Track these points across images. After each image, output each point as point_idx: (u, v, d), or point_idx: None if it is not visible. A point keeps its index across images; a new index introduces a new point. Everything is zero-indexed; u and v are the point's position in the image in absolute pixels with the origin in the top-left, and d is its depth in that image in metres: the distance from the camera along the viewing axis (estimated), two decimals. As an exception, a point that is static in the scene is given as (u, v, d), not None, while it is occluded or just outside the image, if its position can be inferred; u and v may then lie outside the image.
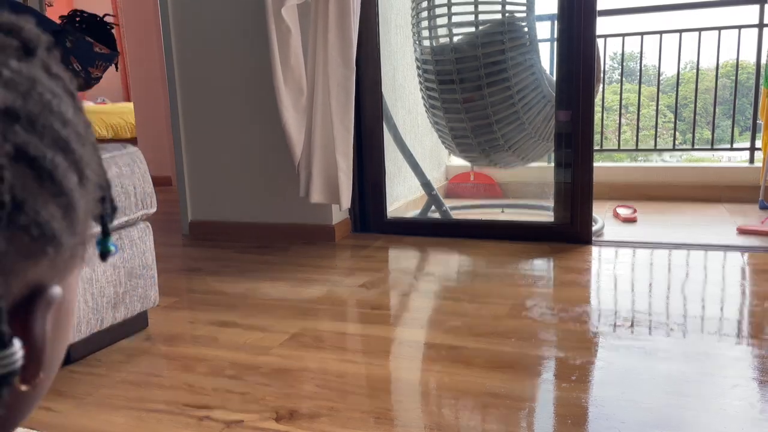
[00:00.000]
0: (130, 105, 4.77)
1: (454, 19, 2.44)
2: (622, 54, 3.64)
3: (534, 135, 2.50)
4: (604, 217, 2.83)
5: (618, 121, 3.94)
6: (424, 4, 2.47)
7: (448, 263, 2.10)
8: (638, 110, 3.77)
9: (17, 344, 0.25)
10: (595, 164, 3.53)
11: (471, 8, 2.38)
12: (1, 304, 0.24)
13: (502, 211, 3.13)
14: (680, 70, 3.56)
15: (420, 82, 2.65)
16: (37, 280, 0.27)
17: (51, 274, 0.27)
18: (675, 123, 3.93)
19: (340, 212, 2.43)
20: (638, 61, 3.79)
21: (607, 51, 3.72)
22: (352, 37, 2.08)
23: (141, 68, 4.01)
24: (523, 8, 2.33)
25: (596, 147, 3.89)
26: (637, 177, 3.43)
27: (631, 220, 2.86)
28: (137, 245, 1.43)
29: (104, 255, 0.34)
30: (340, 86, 2.10)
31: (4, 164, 0.24)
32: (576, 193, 2.18)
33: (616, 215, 2.94)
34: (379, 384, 1.18)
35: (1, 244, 0.24)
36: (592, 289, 1.73)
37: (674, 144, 3.83)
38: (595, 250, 2.14)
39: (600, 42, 3.48)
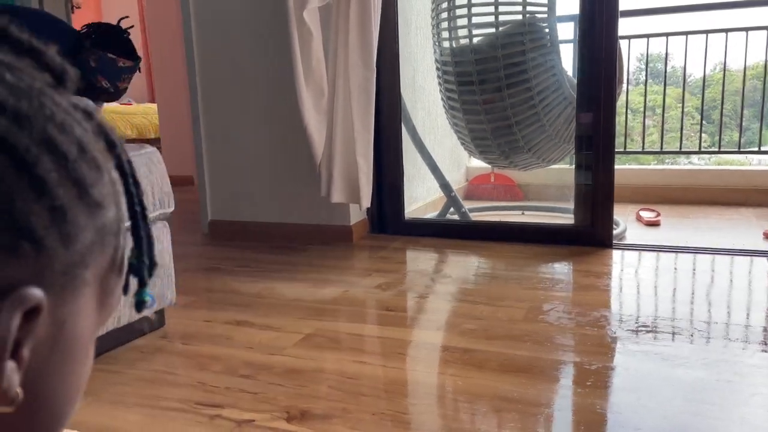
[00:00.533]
0: (155, 106, 4.84)
1: (475, 20, 2.43)
2: (647, 55, 3.58)
3: (554, 137, 2.47)
4: (626, 220, 2.79)
5: (643, 123, 3.87)
6: (444, 5, 2.46)
7: (465, 265, 2.09)
8: (663, 112, 3.71)
9: None
10: (618, 166, 3.48)
11: (491, 9, 2.36)
12: None
13: (523, 214, 3.10)
14: (707, 71, 3.49)
15: (439, 84, 2.64)
16: (15, 278, 0.26)
17: (34, 279, 0.27)
18: (701, 125, 3.86)
19: (357, 213, 2.43)
20: (664, 63, 3.73)
21: (633, 52, 3.67)
22: (373, 39, 2.08)
23: (165, 69, 4.07)
24: (544, 9, 2.31)
25: (621, 149, 3.85)
26: (661, 179, 3.37)
27: (654, 224, 2.82)
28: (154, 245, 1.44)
29: (139, 306, 0.35)
30: (361, 88, 2.11)
31: None
32: (596, 195, 2.15)
33: (639, 218, 2.90)
34: (392, 386, 1.18)
35: None
36: (611, 293, 1.70)
37: (700, 146, 3.76)
38: (615, 253, 2.11)
39: (624, 43, 3.43)
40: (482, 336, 1.41)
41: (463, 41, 2.48)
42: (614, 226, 2.63)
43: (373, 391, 1.16)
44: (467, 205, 3.36)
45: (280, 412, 1.09)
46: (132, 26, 2.08)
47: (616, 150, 2.98)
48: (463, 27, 2.46)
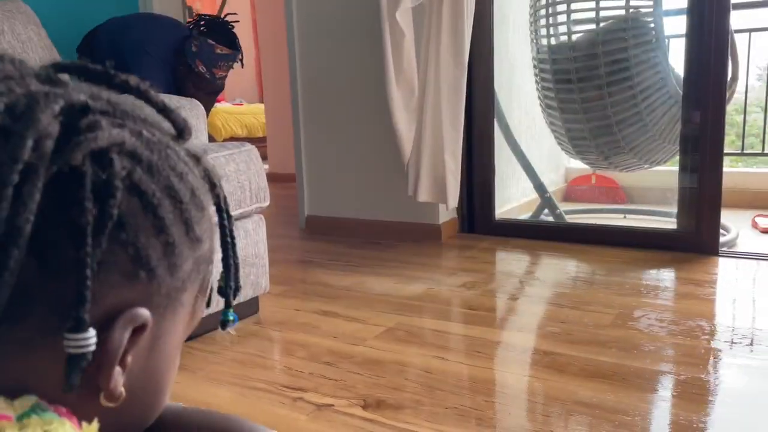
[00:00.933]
0: (263, 106, 5.10)
1: (575, 16, 2.36)
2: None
3: (658, 137, 2.35)
4: (741, 226, 2.60)
5: (764, 121, 3.56)
6: (543, 2, 2.42)
7: (554, 267, 2.05)
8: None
9: (92, 332, 0.30)
10: (734, 169, 3.25)
11: (593, 4, 2.29)
12: (86, 293, 0.29)
13: (624, 217, 2.97)
14: None
15: (537, 82, 2.59)
16: (130, 300, 0.32)
17: (144, 301, 0.33)
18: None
19: (447, 212, 2.44)
20: None
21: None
22: (465, 39, 2.09)
23: (272, 70, 4.28)
24: (650, 3, 2.20)
25: (750, 150, 3.57)
26: (784, 184, 3.10)
27: (771, 231, 2.61)
28: (251, 236, 1.55)
29: (223, 324, 0.42)
30: (451, 87, 2.12)
31: (118, 187, 0.30)
32: (702, 199, 2.03)
33: (755, 225, 2.69)
34: (468, 383, 1.19)
35: (102, 253, 0.29)
36: (711, 302, 1.60)
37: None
38: (722, 261, 1.98)
39: (742, 37, 3.18)
40: (565, 340, 1.39)
41: (562, 38, 2.42)
42: (724, 233, 2.47)
43: (447, 387, 1.18)
44: (566, 207, 3.27)
45: (357, 399, 1.14)
46: (237, 21, 2.24)
47: (742, 151, 2.79)
48: (562, 23, 2.40)
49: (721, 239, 2.31)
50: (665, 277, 1.86)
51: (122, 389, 0.33)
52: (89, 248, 0.29)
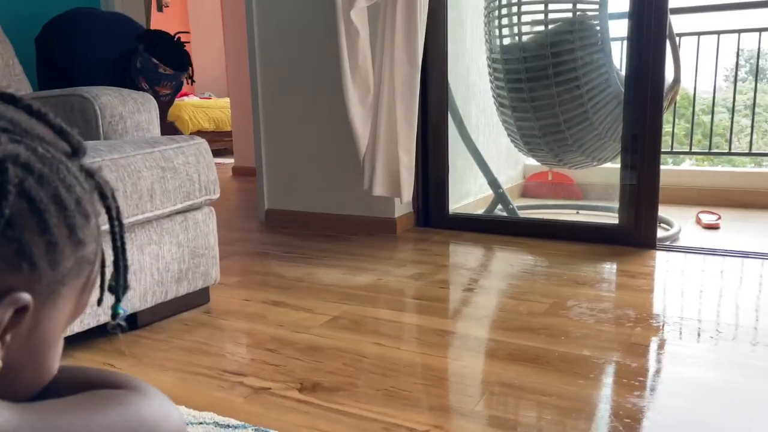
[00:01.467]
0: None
1: (525, 18, 2.44)
2: (737, 51, 3.43)
3: (604, 135, 2.45)
4: (685, 222, 2.72)
5: (710, 122, 3.72)
6: (495, 3, 2.49)
7: (501, 260, 2.13)
8: (732, 111, 3.55)
9: None
10: (682, 168, 3.38)
11: (541, 7, 2.37)
12: None
13: (577, 213, 3.08)
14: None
15: (491, 81, 2.67)
16: (14, 285, 0.38)
17: (26, 289, 0.39)
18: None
19: (403, 206, 2.51)
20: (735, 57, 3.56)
21: (733, 48, 3.52)
22: (418, 38, 2.15)
23: (236, 65, 4.29)
24: (595, 6, 2.29)
25: (709, 149, 3.71)
26: (729, 182, 3.24)
27: (713, 227, 2.73)
28: (200, 227, 1.59)
29: (113, 316, 0.48)
30: (405, 84, 2.18)
31: (11, 191, 0.36)
32: (641, 195, 2.13)
33: (699, 221, 2.81)
34: (400, 366, 1.26)
35: None
36: (642, 293, 1.70)
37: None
38: (659, 255, 2.08)
39: (711, 39, 3.31)
40: (498, 327, 1.46)
41: (513, 39, 2.50)
42: (667, 228, 2.58)
43: (381, 370, 1.24)
44: (524, 202, 3.36)
45: (294, 382, 1.19)
46: (188, 41, 2.29)
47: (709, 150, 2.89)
48: (511, 25, 2.48)
49: (664, 234, 2.43)
50: (602, 269, 1.95)
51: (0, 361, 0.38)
52: None
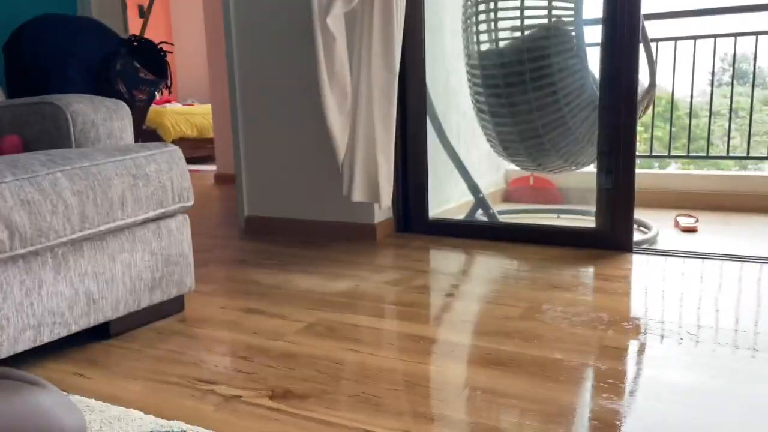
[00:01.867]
0: (211, 107, 5.07)
1: (502, 24, 2.46)
2: (713, 56, 3.48)
3: (582, 140, 2.47)
4: (663, 225, 2.75)
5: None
6: (473, 9, 2.51)
7: (478, 265, 2.13)
8: (711, 115, 3.59)
9: None
10: (659, 171, 3.41)
11: (517, 13, 2.39)
12: None
13: (558, 217, 3.10)
14: None
15: (469, 87, 2.68)
16: None
17: None
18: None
19: (383, 212, 2.51)
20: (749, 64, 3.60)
21: (718, 52, 3.57)
22: (395, 44, 2.16)
23: (218, 72, 4.28)
24: (571, 12, 2.32)
25: (697, 153, 3.75)
26: (706, 185, 3.28)
27: (691, 230, 2.76)
28: (174, 235, 1.58)
29: None
30: (382, 91, 2.19)
31: None
32: (617, 199, 2.15)
33: (677, 224, 2.84)
34: (373, 372, 1.25)
35: None
36: (615, 296, 1.71)
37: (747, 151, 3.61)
38: (635, 258, 2.10)
39: (686, 44, 3.35)
40: (472, 331, 1.46)
41: (490, 45, 2.52)
42: (645, 231, 2.61)
43: (354, 376, 1.24)
44: (505, 207, 3.38)
45: (266, 390, 1.19)
46: (171, 52, 2.31)
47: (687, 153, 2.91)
48: (490, 31, 2.50)
49: (642, 237, 2.45)
50: (578, 273, 1.96)
51: None
52: None
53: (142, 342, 1.46)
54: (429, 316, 1.62)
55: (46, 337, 1.30)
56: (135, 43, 2.23)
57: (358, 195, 2.27)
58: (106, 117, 1.63)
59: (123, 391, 1.20)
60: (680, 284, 1.82)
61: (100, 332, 1.48)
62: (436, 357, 1.33)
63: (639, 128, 3.75)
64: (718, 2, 3.32)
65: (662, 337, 1.41)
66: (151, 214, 1.49)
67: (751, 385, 1.15)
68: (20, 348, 1.25)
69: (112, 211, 1.38)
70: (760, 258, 2.06)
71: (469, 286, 1.87)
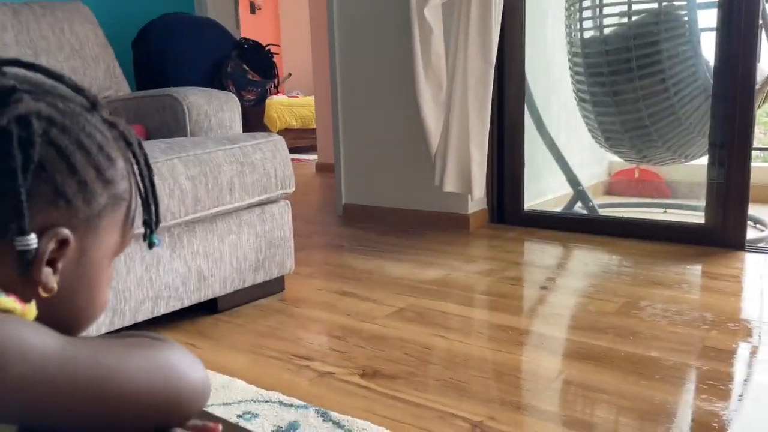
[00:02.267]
0: (316, 98, 5.25)
1: (608, 10, 2.37)
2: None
3: (692, 130, 2.33)
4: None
5: None
6: (576, -4, 2.43)
7: (574, 258, 2.08)
8: None
9: (33, 236, 0.44)
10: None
11: (625, -2, 2.30)
12: (24, 211, 0.42)
13: (665, 211, 2.94)
14: None
15: (571, 76, 2.61)
16: (55, 220, 0.45)
17: (66, 223, 0.46)
18: None
19: (477, 202, 2.51)
20: None
21: None
22: (493, 34, 2.14)
23: (320, 65, 4.42)
24: (683, -5, 2.19)
25: None
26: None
27: (815, 229, 2.53)
28: (276, 220, 1.68)
29: (150, 245, 0.55)
30: (479, 80, 2.18)
31: (36, 141, 0.43)
32: (729, 194, 2.01)
33: (798, 223, 2.62)
34: (460, 358, 1.28)
35: (30, 186, 0.42)
36: (722, 295, 1.61)
37: None
38: (748, 256, 1.96)
39: None
40: (565, 324, 1.45)
41: (594, 32, 2.43)
42: (761, 228, 2.42)
43: (441, 362, 1.27)
44: (608, 200, 3.25)
45: (357, 369, 1.24)
46: (277, 53, 2.45)
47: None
48: (595, 17, 2.41)
49: (756, 235, 2.28)
50: (683, 270, 1.87)
51: (54, 284, 0.46)
52: (20, 181, 0.42)
53: (246, 318, 1.57)
54: (520, 308, 1.61)
55: (163, 309, 1.43)
56: (245, 46, 2.38)
57: (450, 185, 2.28)
58: (217, 108, 1.75)
59: (228, 361, 1.31)
60: (799, 287, 1.69)
61: (209, 307, 1.60)
62: (525, 348, 1.33)
63: (765, 118, 3.48)
64: None
65: (763, 338, 1.32)
66: (256, 199, 1.59)
67: None
68: (140, 318, 1.39)
69: (222, 196, 1.49)
70: None
71: (561, 278, 1.84)
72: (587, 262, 1.99)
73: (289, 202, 1.73)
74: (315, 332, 1.47)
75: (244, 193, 1.54)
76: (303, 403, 1.09)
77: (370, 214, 2.73)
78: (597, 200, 3.13)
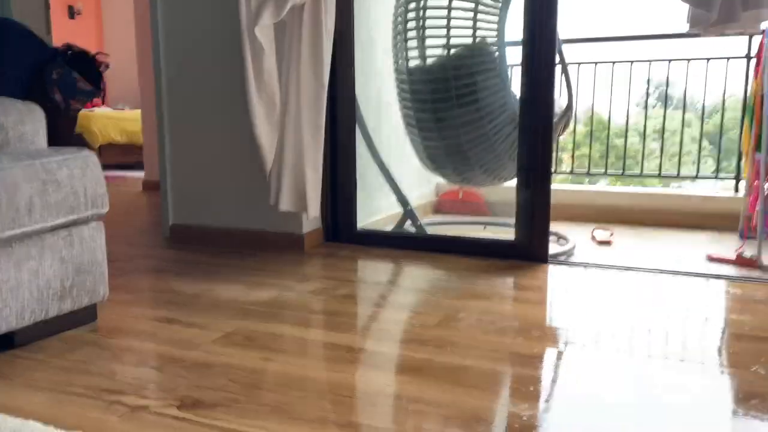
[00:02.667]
0: (141, 112, 4.94)
1: (430, 42, 2.53)
2: (601, 80, 3.68)
3: (504, 156, 2.56)
4: (580, 239, 2.87)
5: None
6: (401, 26, 2.57)
7: (402, 274, 2.18)
8: (626, 137, 3.80)
9: None
10: (577, 187, 3.56)
11: (444, 32, 2.47)
12: None
13: (485, 228, 3.19)
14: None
15: (399, 101, 2.74)
16: None
17: None
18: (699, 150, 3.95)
19: (312, 222, 2.52)
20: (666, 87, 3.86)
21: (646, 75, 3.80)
22: (324, 55, 2.18)
23: (148, 76, 4.18)
24: (494, 33, 2.41)
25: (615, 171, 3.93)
26: (622, 201, 3.45)
27: (606, 243, 2.90)
28: (87, 243, 1.54)
29: None
30: (311, 101, 2.21)
31: None
32: (534, 213, 2.24)
33: (593, 238, 2.98)
34: (285, 380, 1.26)
35: None
36: (528, 305, 1.78)
37: (658, 171, 3.83)
38: (550, 268, 2.19)
39: (605, 67, 3.54)
40: (388, 339, 1.50)
41: (418, 61, 2.58)
42: (563, 243, 2.72)
43: (268, 385, 1.24)
44: (434, 219, 3.45)
45: (175, 400, 1.17)
46: (108, 64, 2.28)
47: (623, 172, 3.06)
48: (418, 48, 2.56)
49: (559, 249, 2.56)
50: (496, 283, 2.03)
51: None
52: None
53: (49, 352, 1.41)
54: (350, 325, 1.64)
55: (-59, 348, 1.24)
56: (69, 53, 2.18)
57: (285, 204, 2.27)
58: (17, 121, 1.57)
59: (23, 402, 1.16)
60: (587, 294, 1.91)
61: (5, 342, 1.42)
62: (353, 365, 1.35)
63: (569, 145, 3.93)
64: (632, 31, 3.53)
65: (570, 344, 1.48)
66: (62, 220, 1.44)
67: (650, 389, 1.23)
68: None
69: (18, 217, 1.33)
70: (671, 271, 2.18)
71: (390, 295, 1.91)
72: (414, 278, 2.09)
73: (102, 223, 1.60)
74: (129, 364, 1.36)
75: (46, 214, 1.39)
76: (110, 442, 1.00)
77: (200, 236, 2.61)
78: (425, 219, 3.31)
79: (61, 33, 6.60)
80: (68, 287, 1.49)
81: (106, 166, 5.54)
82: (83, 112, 5.83)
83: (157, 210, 3.48)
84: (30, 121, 1.60)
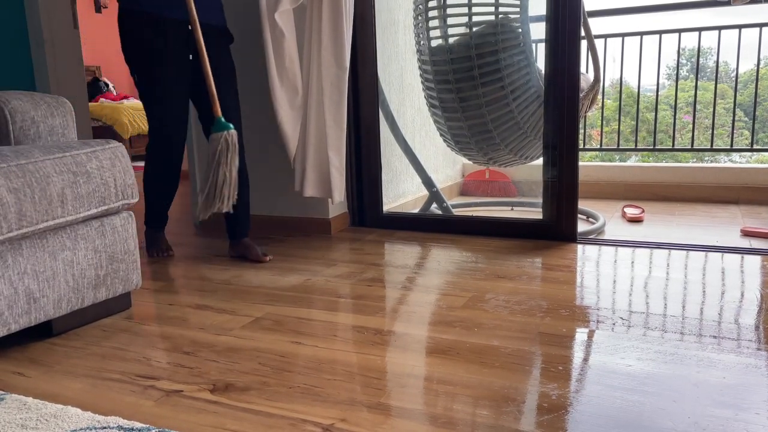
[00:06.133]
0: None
1: (450, 20, 2.50)
2: (630, 52, 3.58)
3: (530, 134, 2.53)
4: (611, 216, 2.83)
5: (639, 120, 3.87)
6: (423, 6, 2.54)
7: (428, 257, 2.17)
8: (655, 110, 3.71)
9: None
10: (606, 164, 3.50)
11: (466, 10, 2.43)
12: None
13: (512, 209, 3.16)
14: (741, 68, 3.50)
15: (422, 82, 2.72)
16: None
17: None
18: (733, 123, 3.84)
19: (337, 206, 2.53)
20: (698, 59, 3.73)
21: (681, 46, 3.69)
22: (344, 39, 2.17)
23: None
24: (516, 9, 2.37)
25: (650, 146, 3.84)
26: (653, 177, 3.38)
27: (637, 220, 2.85)
28: (119, 232, 1.57)
29: None
30: (333, 85, 2.20)
31: None
32: (561, 191, 2.21)
33: (624, 215, 2.93)
34: (314, 363, 1.28)
35: None
36: (557, 284, 1.76)
37: (708, 144, 3.73)
38: (579, 248, 2.17)
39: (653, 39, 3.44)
40: (417, 321, 1.50)
41: (440, 41, 2.55)
42: (593, 221, 2.68)
43: (296, 368, 1.26)
44: (460, 200, 3.43)
45: (207, 384, 1.20)
46: None
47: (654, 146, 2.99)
48: (440, 27, 2.53)
49: (589, 228, 2.52)
50: (524, 263, 2.02)
51: None
52: None
53: (86, 340, 1.46)
54: (377, 308, 1.65)
55: (-16, 337, 1.29)
56: None
57: (309, 190, 2.28)
58: (46, 114, 1.60)
59: (62, 388, 1.20)
60: (617, 272, 1.89)
61: (43, 330, 1.47)
62: (380, 348, 1.36)
63: (598, 122, 3.85)
64: (660, 0, 3.42)
65: (599, 323, 1.47)
66: (94, 211, 1.48)
67: (687, 368, 1.21)
68: (-44, 348, 1.23)
69: (51, 209, 1.36)
70: (704, 246, 2.14)
71: (416, 277, 1.91)
72: (441, 260, 2.08)
73: (133, 213, 1.63)
74: (163, 350, 1.39)
75: (78, 205, 1.43)
76: (145, 425, 1.03)
77: (228, 223, 2.64)
78: (451, 201, 3.30)
79: (88, 27, 6.70)
80: (102, 276, 1.53)
81: (136, 157, 5.61)
82: (112, 104, 5.93)
83: (187, 199, 3.54)
84: (60, 114, 1.63)
